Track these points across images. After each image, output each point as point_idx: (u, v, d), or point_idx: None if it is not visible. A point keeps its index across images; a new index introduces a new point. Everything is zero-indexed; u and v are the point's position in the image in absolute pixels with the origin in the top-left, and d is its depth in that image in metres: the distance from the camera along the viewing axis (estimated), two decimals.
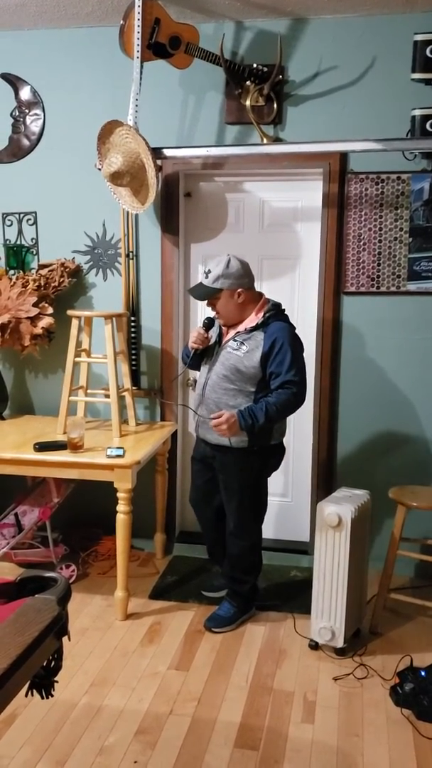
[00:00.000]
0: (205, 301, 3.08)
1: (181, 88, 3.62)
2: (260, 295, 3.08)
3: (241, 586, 3.22)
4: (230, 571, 3.24)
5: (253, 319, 3.00)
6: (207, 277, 2.98)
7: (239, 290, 2.96)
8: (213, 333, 3.14)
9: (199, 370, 3.21)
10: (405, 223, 3.49)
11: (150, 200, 3.40)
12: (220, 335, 3.11)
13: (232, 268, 2.94)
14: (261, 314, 2.99)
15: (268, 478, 3.21)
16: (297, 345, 2.96)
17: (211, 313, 3.11)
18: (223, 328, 3.11)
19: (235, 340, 3.00)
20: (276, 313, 3.01)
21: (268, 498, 3.27)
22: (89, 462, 3.15)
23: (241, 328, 3.02)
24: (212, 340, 3.12)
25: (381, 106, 3.43)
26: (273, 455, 3.14)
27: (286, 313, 3.08)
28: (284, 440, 3.18)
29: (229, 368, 2.98)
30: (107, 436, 3.49)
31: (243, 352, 2.95)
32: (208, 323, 3.12)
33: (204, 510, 3.33)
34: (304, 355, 3.03)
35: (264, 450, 3.06)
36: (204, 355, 3.15)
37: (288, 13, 3.39)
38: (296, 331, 3.03)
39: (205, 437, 3.12)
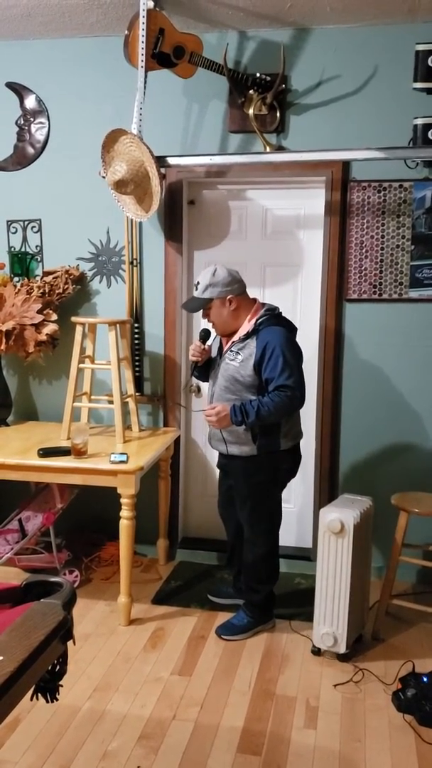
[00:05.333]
0: (201, 313, 3.08)
1: (184, 97, 3.65)
2: (254, 300, 3.05)
3: (255, 596, 3.18)
4: (244, 579, 3.23)
5: (246, 326, 2.96)
6: (197, 289, 2.99)
7: (229, 297, 2.94)
8: (214, 345, 3.14)
9: (207, 381, 3.20)
10: (407, 231, 3.51)
11: (154, 208, 3.42)
12: (221, 347, 3.11)
13: (218, 276, 2.93)
14: (254, 321, 2.95)
15: (285, 486, 3.15)
16: (290, 348, 2.88)
17: (208, 325, 3.10)
18: (222, 339, 3.10)
19: (231, 351, 2.98)
20: (269, 318, 2.95)
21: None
22: (93, 468, 3.16)
23: (236, 337, 2.99)
24: (214, 353, 3.13)
25: (383, 115, 3.46)
26: (284, 461, 3.05)
27: (283, 316, 3.03)
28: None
29: (228, 379, 2.96)
30: (111, 442, 3.51)
31: (239, 361, 2.92)
32: (204, 335, 3.11)
33: (226, 517, 3.33)
34: (307, 359, 3.02)
35: (273, 456, 2.99)
36: (209, 367, 3.16)
37: (291, 23, 3.42)
38: (296, 333, 3.01)
39: (217, 448, 3.11)
